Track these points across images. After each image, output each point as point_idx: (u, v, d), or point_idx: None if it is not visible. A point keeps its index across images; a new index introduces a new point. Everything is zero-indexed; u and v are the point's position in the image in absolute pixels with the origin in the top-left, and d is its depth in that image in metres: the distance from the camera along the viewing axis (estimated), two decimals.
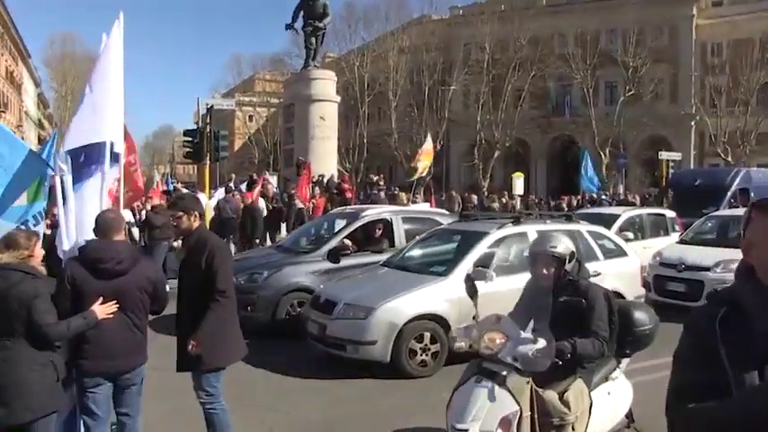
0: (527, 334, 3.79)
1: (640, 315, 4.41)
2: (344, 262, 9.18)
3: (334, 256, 9.27)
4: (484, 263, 7.21)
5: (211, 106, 19.31)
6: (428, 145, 20.33)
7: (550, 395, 3.85)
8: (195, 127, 19.51)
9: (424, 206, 15.19)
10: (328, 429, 5.81)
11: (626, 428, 4.52)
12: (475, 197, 25.83)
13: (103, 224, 4.31)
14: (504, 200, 24.51)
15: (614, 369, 4.38)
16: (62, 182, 4.66)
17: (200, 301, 4.48)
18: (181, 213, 4.66)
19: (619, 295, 8.35)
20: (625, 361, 4.54)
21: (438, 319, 7.27)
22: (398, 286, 7.57)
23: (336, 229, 10.42)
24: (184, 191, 18.75)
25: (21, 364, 3.77)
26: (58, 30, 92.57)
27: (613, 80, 44.35)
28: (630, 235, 11.87)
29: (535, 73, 42.74)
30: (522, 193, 32.34)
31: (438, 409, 4.38)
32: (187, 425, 5.24)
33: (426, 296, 7.36)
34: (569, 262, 4.20)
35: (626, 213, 12.91)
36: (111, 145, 4.90)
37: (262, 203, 16.04)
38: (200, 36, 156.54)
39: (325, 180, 22.76)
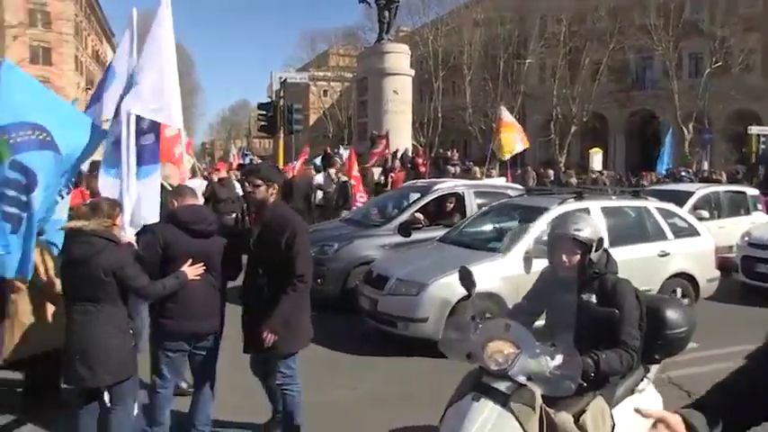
0: (545, 346, 3.11)
1: (673, 314, 3.62)
2: (415, 236, 9.00)
3: (405, 229, 9.10)
4: (543, 240, 6.81)
5: (285, 80, 19.55)
6: (508, 118, 19.78)
7: (563, 418, 3.17)
8: (269, 101, 19.82)
9: (500, 181, 14.87)
10: (394, 405, 5.70)
11: None
12: (551, 172, 25.41)
13: (182, 189, 4.66)
14: (593, 174, 23.73)
15: (641, 379, 3.68)
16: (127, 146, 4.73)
17: (277, 283, 4.30)
18: (260, 182, 4.40)
19: (689, 276, 8.13)
20: (654, 368, 3.81)
21: (493, 298, 6.85)
22: (453, 262, 6.98)
23: (408, 203, 10.26)
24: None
25: (103, 329, 3.99)
26: (139, 9, 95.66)
27: (698, 51, 42.24)
28: (705, 213, 11.32)
29: (614, 45, 41.24)
30: (599, 168, 31.67)
31: None
32: (241, 401, 5.28)
33: (481, 273, 6.69)
34: (595, 250, 3.49)
35: (701, 190, 12.23)
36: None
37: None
38: (275, 11, 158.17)
39: (399, 154, 22.93)
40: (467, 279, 3.70)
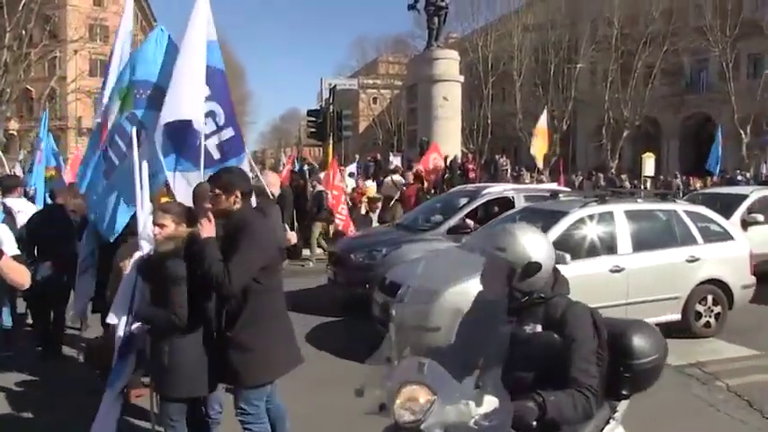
0: (467, 389, 2.46)
1: (641, 342, 2.91)
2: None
3: (454, 234, 9.00)
4: (561, 244, 6.66)
5: (334, 86, 19.91)
6: (542, 123, 20.19)
7: None
8: (319, 107, 20.18)
9: (551, 186, 14.87)
10: None
11: None
12: (601, 176, 25.15)
13: (199, 194, 4.49)
14: (669, 178, 22.68)
15: (608, 421, 2.93)
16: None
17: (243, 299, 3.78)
18: (218, 191, 3.78)
19: (721, 283, 7.88)
20: (623, 405, 3.02)
21: None
22: (468, 269, 6.46)
23: (457, 208, 10.24)
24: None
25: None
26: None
27: (758, 52, 40.66)
28: (761, 217, 10.78)
29: (668, 48, 40.37)
30: (652, 174, 31.27)
31: None
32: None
33: None
34: (526, 276, 2.74)
35: (756, 193, 11.43)
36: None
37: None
38: (323, 20, 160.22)
39: (448, 161, 23.11)
40: (383, 311, 2.99)
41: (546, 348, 2.64)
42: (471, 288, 6.37)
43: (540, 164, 19.16)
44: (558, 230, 7.25)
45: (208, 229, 3.71)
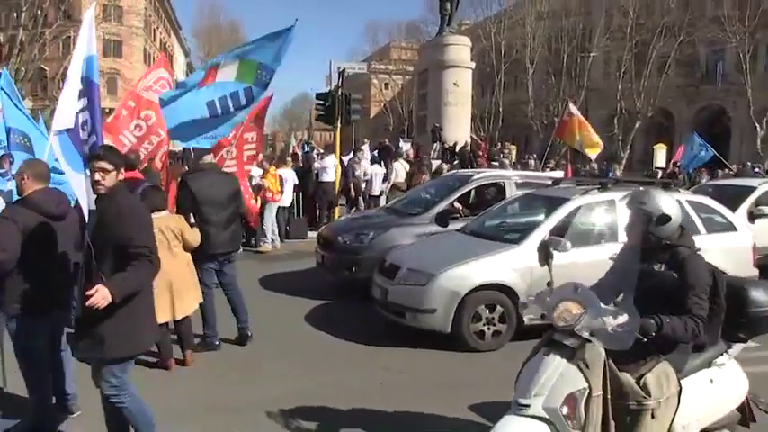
0: (608, 306, 3.39)
1: (756, 293, 3.74)
2: (453, 225, 8.70)
3: (443, 219, 8.95)
4: (561, 231, 6.65)
5: (343, 69, 19.70)
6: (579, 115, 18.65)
7: (626, 378, 3.43)
8: (328, 90, 19.98)
9: (557, 174, 14.22)
10: (398, 395, 5.54)
11: (739, 425, 4.00)
12: (617, 166, 24.87)
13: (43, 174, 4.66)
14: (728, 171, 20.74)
15: (722, 353, 3.83)
16: None
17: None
18: (111, 167, 3.78)
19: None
20: (738, 346, 3.92)
21: (505, 290, 6.73)
22: (466, 253, 6.98)
23: (447, 192, 10.02)
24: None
25: None
26: (206, 1, 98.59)
27: None
28: None
29: (683, 38, 39.68)
30: (664, 165, 30.98)
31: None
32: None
33: (494, 264, 6.81)
34: (659, 224, 3.61)
35: (765, 186, 11.06)
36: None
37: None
38: (337, 4, 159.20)
39: (457, 147, 22.93)
40: (544, 252, 3.84)
41: (670, 285, 3.51)
42: (468, 271, 6.77)
43: (592, 156, 17.76)
44: (557, 217, 7.17)
45: None
